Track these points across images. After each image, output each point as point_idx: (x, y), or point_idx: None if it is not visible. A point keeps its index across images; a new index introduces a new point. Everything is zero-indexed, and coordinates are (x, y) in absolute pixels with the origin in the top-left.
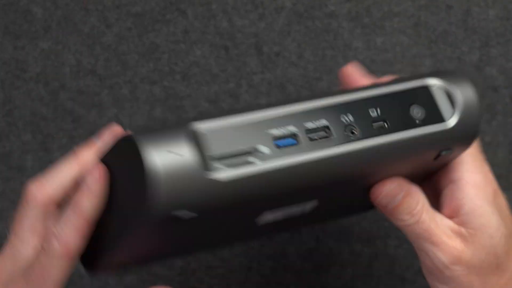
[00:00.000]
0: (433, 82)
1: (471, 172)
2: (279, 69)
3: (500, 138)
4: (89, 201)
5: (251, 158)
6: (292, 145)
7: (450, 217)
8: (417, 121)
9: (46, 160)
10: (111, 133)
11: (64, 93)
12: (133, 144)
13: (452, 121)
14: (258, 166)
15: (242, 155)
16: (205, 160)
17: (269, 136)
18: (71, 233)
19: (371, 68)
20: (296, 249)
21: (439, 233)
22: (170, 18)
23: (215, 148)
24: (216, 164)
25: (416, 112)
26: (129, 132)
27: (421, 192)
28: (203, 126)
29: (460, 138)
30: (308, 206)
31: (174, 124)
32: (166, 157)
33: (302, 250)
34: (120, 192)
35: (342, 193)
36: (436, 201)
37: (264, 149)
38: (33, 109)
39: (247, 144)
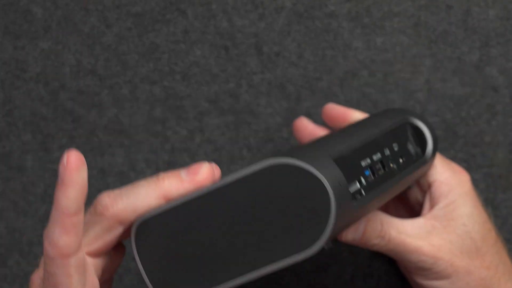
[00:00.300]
0: (411, 119)
1: (441, 172)
2: (279, 69)
3: (500, 138)
4: (65, 194)
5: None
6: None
7: (429, 210)
8: (414, 157)
9: (46, 160)
10: (204, 172)
11: (64, 93)
12: (315, 177)
13: (429, 149)
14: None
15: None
16: (351, 192)
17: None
18: (57, 232)
19: (371, 68)
20: None
21: (413, 241)
22: (170, 18)
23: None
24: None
25: (411, 148)
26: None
27: (378, 211)
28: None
29: (434, 157)
30: None
31: (323, 153)
32: (339, 191)
33: None
34: (265, 217)
35: None
36: (421, 207)
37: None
38: (33, 109)
39: (355, 177)
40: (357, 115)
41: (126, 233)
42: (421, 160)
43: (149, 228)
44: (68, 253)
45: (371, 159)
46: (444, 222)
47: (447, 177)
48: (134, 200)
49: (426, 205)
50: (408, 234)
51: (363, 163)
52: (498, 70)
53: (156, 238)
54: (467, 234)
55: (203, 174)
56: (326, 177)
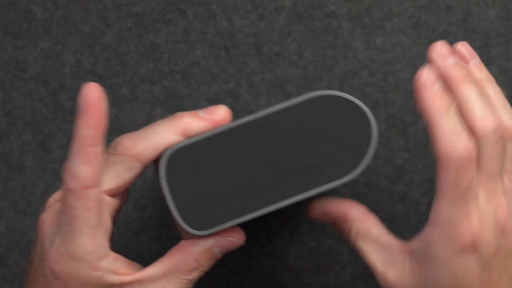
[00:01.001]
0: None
1: (445, 212)
2: (279, 69)
3: None
4: (86, 124)
5: None
6: None
7: (412, 243)
8: None
9: (46, 160)
10: (221, 113)
11: (64, 93)
12: (357, 106)
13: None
14: None
15: None
16: None
17: None
18: (78, 164)
19: (371, 68)
20: (296, 249)
21: (373, 259)
22: (170, 18)
23: None
24: None
25: None
26: None
27: (360, 218)
28: None
29: None
30: None
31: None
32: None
33: (302, 250)
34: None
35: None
36: None
37: None
38: (33, 109)
39: None
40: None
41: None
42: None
43: (181, 160)
44: (89, 184)
45: None
46: (414, 265)
47: (446, 227)
48: (154, 138)
49: (423, 231)
50: (373, 250)
51: None
52: (498, 70)
53: (189, 170)
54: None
55: (220, 115)
56: (366, 109)
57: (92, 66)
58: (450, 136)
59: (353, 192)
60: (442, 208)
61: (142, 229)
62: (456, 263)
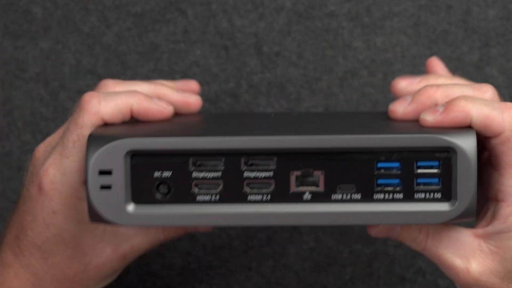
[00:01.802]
0: None
1: None
2: (279, 69)
3: None
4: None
5: None
6: None
7: (485, 226)
8: None
9: None
10: (195, 100)
11: (64, 93)
12: None
13: None
14: None
15: None
16: None
17: None
18: (114, 105)
19: (371, 68)
20: (296, 249)
21: (449, 257)
22: (170, 18)
23: None
24: None
25: None
26: None
27: None
28: None
29: None
30: None
31: None
32: None
33: (302, 250)
34: None
35: None
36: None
37: None
38: (33, 109)
39: None
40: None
41: None
42: None
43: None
44: (102, 120)
45: None
46: (494, 247)
47: None
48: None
49: (487, 214)
50: (446, 248)
51: None
52: (498, 70)
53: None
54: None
55: (194, 100)
56: None
57: (92, 66)
58: (495, 108)
59: None
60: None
61: None
62: None
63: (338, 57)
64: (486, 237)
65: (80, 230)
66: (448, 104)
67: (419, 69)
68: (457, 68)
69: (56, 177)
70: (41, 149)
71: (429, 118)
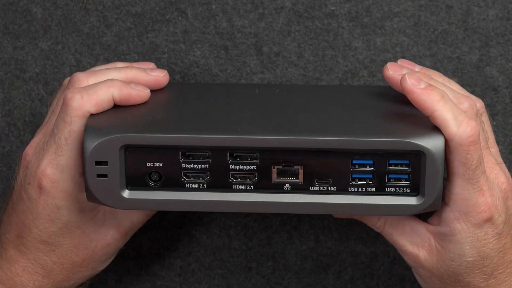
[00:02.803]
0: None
1: (463, 193)
2: (279, 69)
3: (500, 138)
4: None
5: None
6: None
7: (437, 224)
8: None
9: None
10: (164, 76)
11: None
12: None
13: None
14: None
15: None
16: None
17: None
18: (98, 96)
19: (371, 68)
20: (296, 249)
21: (402, 243)
22: (170, 18)
23: None
24: None
25: None
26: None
27: None
28: None
29: None
30: None
31: None
32: None
33: (302, 250)
34: None
35: None
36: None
37: None
38: (33, 109)
39: None
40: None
41: None
42: None
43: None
44: (88, 112)
45: None
46: (439, 246)
47: (463, 205)
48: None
49: (442, 213)
50: (401, 235)
51: None
52: (498, 70)
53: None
54: (449, 268)
55: (164, 75)
56: None
57: (92, 66)
58: (457, 118)
59: None
60: (458, 188)
61: (142, 229)
62: (478, 237)
63: (338, 57)
64: (435, 234)
65: (84, 219)
66: (428, 88)
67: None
68: (457, 68)
69: (55, 175)
70: (30, 151)
71: (409, 81)
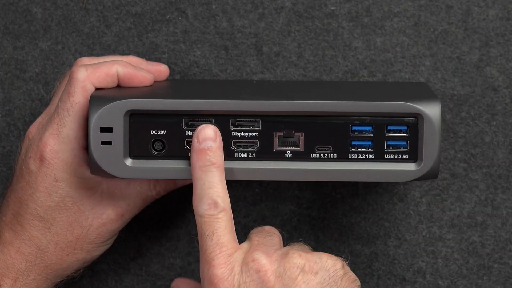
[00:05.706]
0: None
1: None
2: (279, 69)
3: (500, 138)
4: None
5: None
6: None
7: None
8: None
9: None
10: (164, 68)
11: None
12: None
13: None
14: None
15: None
16: None
17: None
18: (102, 71)
19: (371, 68)
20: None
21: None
22: (170, 18)
23: None
24: None
25: None
26: None
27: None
28: None
29: None
30: None
31: None
32: None
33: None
34: None
35: None
36: None
37: None
38: (33, 109)
39: None
40: None
41: None
42: None
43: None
44: (93, 88)
45: None
46: None
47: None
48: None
49: None
50: None
51: None
52: (498, 70)
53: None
54: None
55: (164, 68)
56: None
57: None
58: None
59: (353, 192)
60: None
61: (142, 229)
62: None
63: (338, 57)
64: None
65: (81, 195)
66: None
67: (419, 69)
68: (457, 68)
69: (56, 145)
70: (33, 129)
71: None
